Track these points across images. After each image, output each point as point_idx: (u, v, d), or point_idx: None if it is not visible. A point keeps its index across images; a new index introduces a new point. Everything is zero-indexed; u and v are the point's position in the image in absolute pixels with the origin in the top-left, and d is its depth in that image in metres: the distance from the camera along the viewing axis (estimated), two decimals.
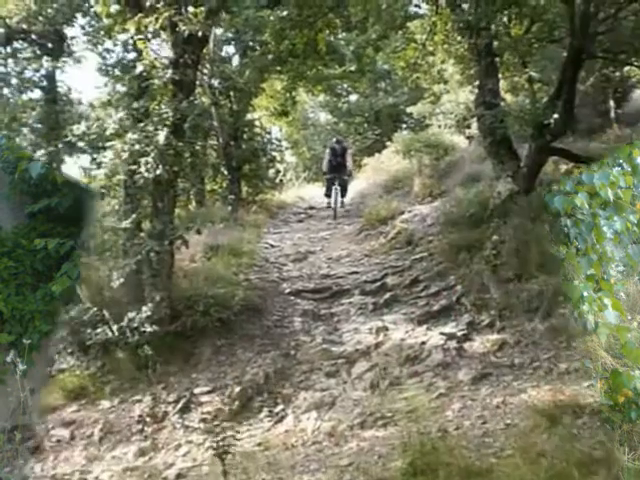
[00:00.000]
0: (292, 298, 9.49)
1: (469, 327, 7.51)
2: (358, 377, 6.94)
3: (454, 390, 6.04)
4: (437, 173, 15.48)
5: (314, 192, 19.77)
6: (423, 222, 12.27)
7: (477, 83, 11.35)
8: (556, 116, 9.21)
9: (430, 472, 4.10)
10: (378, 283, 9.53)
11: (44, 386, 7.96)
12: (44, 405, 8.04)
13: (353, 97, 27.33)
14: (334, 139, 17.52)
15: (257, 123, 18.34)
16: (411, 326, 8.06)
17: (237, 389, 7.14)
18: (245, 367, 7.67)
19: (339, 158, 15.98)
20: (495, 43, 10.60)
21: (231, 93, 16.62)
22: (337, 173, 15.70)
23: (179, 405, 7.18)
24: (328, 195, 15.84)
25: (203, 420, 6.83)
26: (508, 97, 14.14)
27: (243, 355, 7.98)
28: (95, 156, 11.14)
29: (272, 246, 12.64)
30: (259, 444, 6.03)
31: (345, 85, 22.65)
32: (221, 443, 4.70)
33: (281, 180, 20.47)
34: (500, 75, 11.60)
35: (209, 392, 7.33)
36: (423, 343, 7.21)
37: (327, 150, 16.67)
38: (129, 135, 8.57)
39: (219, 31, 15.65)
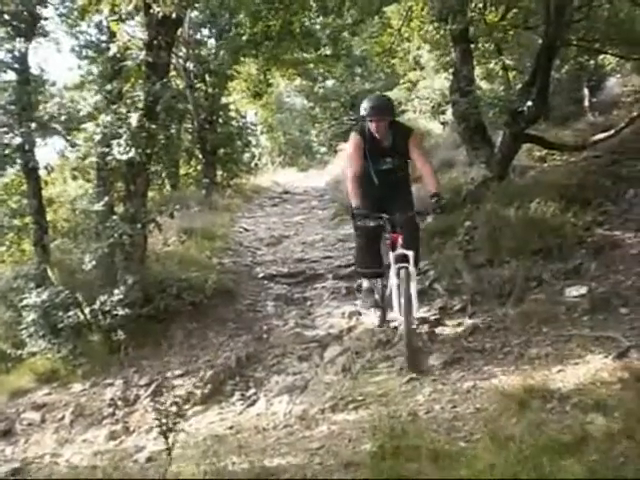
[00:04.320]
0: (265, 282, 9.49)
1: (441, 312, 7.52)
2: (330, 361, 6.95)
3: (425, 374, 6.06)
4: None
5: (289, 177, 19.77)
6: None
7: (452, 70, 11.37)
8: (530, 103, 9.25)
9: (399, 455, 4.12)
10: (352, 268, 9.54)
11: None
12: (15, 388, 8.00)
13: (329, 82, 27.34)
14: (367, 105, 6.72)
15: (232, 107, 18.29)
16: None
17: (209, 373, 7.11)
18: (217, 351, 7.65)
19: (392, 161, 6.88)
20: (471, 30, 10.62)
21: (206, 76, 16.55)
22: (393, 210, 6.68)
23: (151, 388, 7.16)
24: (369, 293, 7.30)
25: (175, 403, 6.80)
26: (483, 84, 14.19)
27: (215, 339, 7.97)
28: (69, 138, 11.06)
29: (246, 230, 12.62)
30: (230, 427, 6.03)
31: (321, 70, 22.57)
32: (165, 421, 4.68)
33: (256, 164, 20.46)
34: (475, 62, 11.62)
35: (181, 375, 7.31)
36: (394, 328, 7.23)
37: (354, 140, 6.81)
38: (102, 117, 8.51)
39: (194, 14, 15.56)
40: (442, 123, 17.94)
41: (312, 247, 11.06)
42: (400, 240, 6.48)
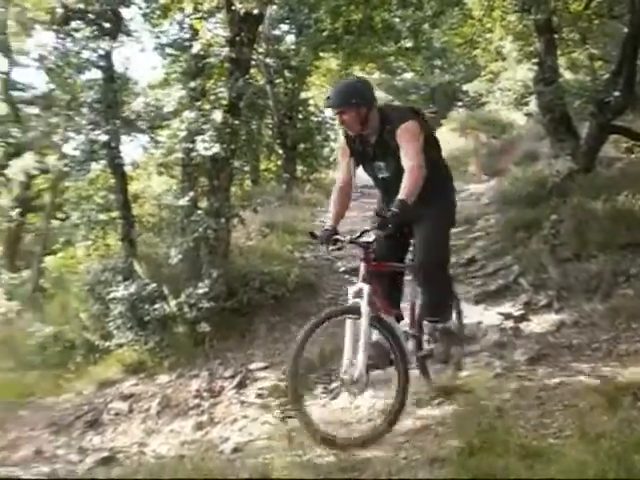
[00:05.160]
0: (347, 276, 9.47)
1: (526, 307, 7.40)
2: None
3: (511, 370, 5.97)
4: (494, 151, 15.30)
5: None
6: (479, 201, 12.15)
7: (536, 60, 11.16)
8: (617, 93, 9.02)
9: (486, 451, 4.06)
10: None
11: None
12: (103, 378, 8.23)
13: (408, 75, 27.17)
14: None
15: (311, 102, 18.33)
16: (467, 306, 7.97)
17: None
18: None
19: (386, 167, 5.03)
20: (554, 19, 10.40)
21: (286, 72, 16.64)
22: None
23: (235, 380, 7.25)
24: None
25: (259, 396, 6.89)
26: (567, 74, 13.90)
27: (298, 332, 7.98)
28: (152, 135, 11.28)
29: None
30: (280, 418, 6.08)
31: (400, 63, 22.44)
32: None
33: (335, 159, 20.45)
34: (559, 52, 11.39)
35: (265, 368, 7.39)
36: (480, 323, 7.14)
37: (340, 141, 5.82)
38: (186, 114, 8.65)
39: (274, 10, 15.66)
40: (527, 114, 17.63)
41: None
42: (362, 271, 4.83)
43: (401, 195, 4.55)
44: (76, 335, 9.34)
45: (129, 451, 6.23)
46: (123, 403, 7.45)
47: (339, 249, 5.04)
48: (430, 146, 4.94)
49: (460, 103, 25.09)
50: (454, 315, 5.55)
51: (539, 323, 7.00)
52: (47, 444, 6.71)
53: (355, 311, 4.67)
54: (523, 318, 7.17)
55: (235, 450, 5.55)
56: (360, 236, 4.83)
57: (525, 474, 3.76)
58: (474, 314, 7.61)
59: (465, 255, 9.44)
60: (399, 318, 5.27)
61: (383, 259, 5.03)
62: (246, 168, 15.68)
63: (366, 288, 4.67)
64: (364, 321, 4.60)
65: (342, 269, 9.70)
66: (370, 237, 4.80)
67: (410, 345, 5.24)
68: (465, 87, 23.71)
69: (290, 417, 4.75)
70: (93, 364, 8.74)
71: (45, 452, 6.36)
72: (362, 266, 4.80)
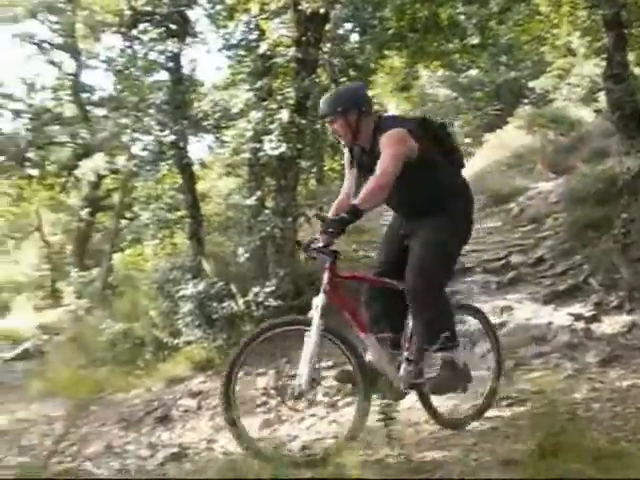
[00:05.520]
0: None
1: (597, 308, 7.28)
2: (482, 357, 6.85)
3: (582, 372, 5.87)
4: (562, 149, 15.03)
5: None
6: (547, 199, 11.97)
7: (605, 56, 10.94)
8: None
9: (558, 454, 4.00)
10: (502, 261, 9.37)
11: None
12: (171, 375, 8.34)
13: (473, 72, 26.88)
14: None
15: (375, 100, 18.30)
16: (536, 306, 7.88)
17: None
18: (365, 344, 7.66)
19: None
20: (624, 14, 10.17)
21: (350, 71, 16.63)
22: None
23: None
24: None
25: (326, 394, 6.89)
26: (638, 70, 13.58)
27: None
28: (218, 135, 11.40)
29: None
30: (381, 420, 6.04)
31: (465, 60, 22.19)
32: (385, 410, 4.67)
33: None
34: (629, 47, 11.14)
35: (331, 367, 7.36)
36: (549, 323, 7.04)
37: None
38: (253, 114, 8.73)
39: (338, 8, 15.66)
40: (595, 111, 17.29)
41: None
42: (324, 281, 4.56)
43: (356, 200, 4.33)
44: (145, 332, 9.48)
45: (198, 447, 6.27)
46: (192, 400, 7.52)
47: (314, 258, 4.79)
48: (427, 155, 4.57)
49: (526, 100, 24.69)
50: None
51: (610, 324, 6.87)
52: (117, 439, 6.81)
53: (302, 322, 4.51)
54: (594, 319, 7.05)
55: (303, 448, 5.56)
56: (328, 245, 4.52)
57: (601, 477, 3.70)
58: (544, 314, 7.52)
59: (533, 255, 9.33)
60: (394, 343, 4.89)
61: (384, 274, 4.83)
62: (312, 168, 15.72)
63: (320, 299, 4.46)
64: (312, 333, 4.39)
65: None
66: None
67: (402, 370, 4.88)
68: (531, 84, 23.37)
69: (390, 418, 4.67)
70: (162, 361, 8.86)
71: (115, 447, 6.45)
72: (325, 276, 4.55)
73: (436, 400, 5.22)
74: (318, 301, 4.44)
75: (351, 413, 5.20)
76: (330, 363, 7.39)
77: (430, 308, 4.61)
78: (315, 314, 4.41)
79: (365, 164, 4.71)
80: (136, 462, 5.32)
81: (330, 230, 4.27)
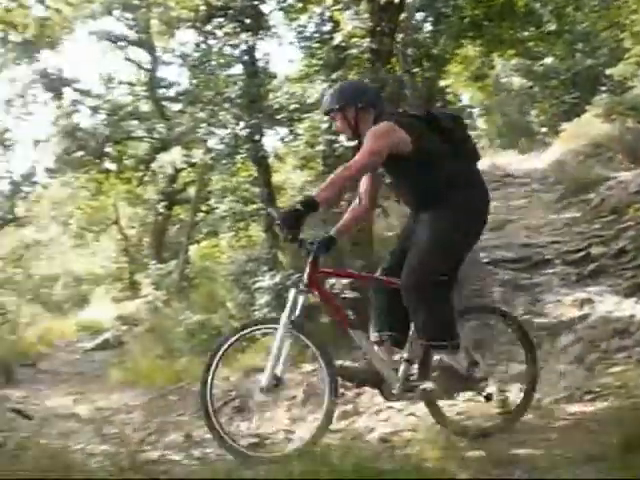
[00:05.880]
0: (490, 267, 9.29)
1: None
2: (563, 350, 6.72)
3: None
4: None
5: (508, 160, 19.28)
6: (627, 189, 11.66)
7: None
8: None
9: None
10: (581, 253, 9.14)
11: None
12: (249, 366, 8.40)
13: (548, 60, 26.36)
14: None
15: (449, 90, 18.16)
16: (618, 298, 7.68)
17: (436, 357, 7.09)
18: None
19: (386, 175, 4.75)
20: None
21: (423, 61, 16.52)
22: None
23: None
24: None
25: None
26: None
27: None
28: (292, 128, 11.45)
29: None
30: (459, 413, 5.97)
31: (540, 48, 21.78)
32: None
33: None
34: None
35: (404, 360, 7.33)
36: (631, 316, 6.85)
37: None
38: None
39: None
40: None
41: (537, 232, 10.70)
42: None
43: (314, 194, 4.23)
44: (223, 323, 9.60)
45: (276, 438, 6.30)
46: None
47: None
48: (424, 148, 4.46)
49: (604, 88, 24.09)
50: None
51: None
52: (196, 429, 6.90)
53: (272, 321, 4.66)
54: None
55: (382, 441, 5.54)
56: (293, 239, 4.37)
57: None
58: (626, 307, 7.33)
59: (615, 246, 9.08)
60: (396, 343, 4.83)
61: (391, 272, 4.71)
62: None
63: (291, 295, 4.54)
64: (279, 330, 4.46)
65: (485, 260, 9.53)
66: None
67: (400, 371, 4.76)
68: (609, 71, 22.78)
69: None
70: (240, 352, 8.93)
71: (194, 437, 6.53)
72: (305, 272, 4.54)
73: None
74: (290, 297, 4.52)
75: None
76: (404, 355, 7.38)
77: (423, 307, 4.47)
78: (285, 312, 4.49)
79: None
80: (215, 451, 5.35)
81: (278, 222, 4.24)
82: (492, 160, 19.36)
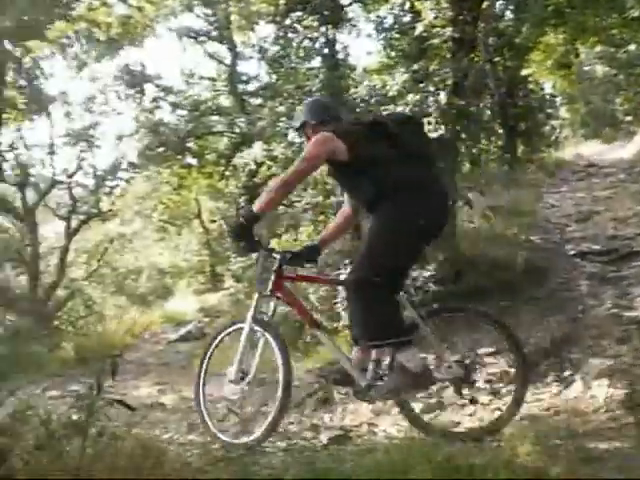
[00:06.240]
0: (577, 260, 9.11)
1: None
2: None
3: None
4: None
5: (592, 150, 18.88)
6: None
7: None
8: None
9: None
10: None
11: None
12: (331, 358, 8.43)
13: (632, 47, 25.64)
14: None
15: (531, 79, 17.86)
16: None
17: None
18: (529, 330, 7.48)
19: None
20: None
21: (504, 50, 16.28)
22: None
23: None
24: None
25: (488, 381, 6.78)
26: None
27: (527, 318, 7.79)
28: None
29: (552, 206, 12.23)
30: (547, 409, 5.90)
31: (624, 35, 21.17)
32: None
33: (557, 138, 19.79)
34: None
35: (493, 353, 7.24)
36: None
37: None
38: (410, 97, 8.68)
39: None
40: None
41: (625, 223, 10.44)
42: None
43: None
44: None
45: (359, 430, 6.31)
46: None
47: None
48: (362, 154, 4.67)
49: None
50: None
51: None
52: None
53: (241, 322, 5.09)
54: None
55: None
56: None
57: None
58: None
59: None
60: None
61: None
62: (473, 149, 15.52)
63: (254, 299, 5.06)
64: (245, 328, 4.99)
65: (571, 252, 9.36)
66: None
67: (369, 370, 4.94)
68: None
69: None
70: (322, 344, 8.97)
71: (279, 428, 6.62)
72: (271, 278, 4.97)
73: None
74: (253, 300, 5.04)
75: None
76: (493, 349, 7.30)
77: (361, 306, 4.66)
78: (249, 312, 4.98)
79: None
80: (299, 442, 5.42)
81: (229, 236, 4.76)
82: (576, 150, 19.00)
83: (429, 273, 7.98)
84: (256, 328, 4.97)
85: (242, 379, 4.92)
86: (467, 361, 5.11)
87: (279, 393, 4.84)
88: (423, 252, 5.22)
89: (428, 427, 5.08)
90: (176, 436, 6.00)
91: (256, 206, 4.62)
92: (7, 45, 16.24)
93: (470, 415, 6.18)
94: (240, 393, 4.99)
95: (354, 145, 4.64)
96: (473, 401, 5.17)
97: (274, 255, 5.01)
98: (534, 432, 4.51)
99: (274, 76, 14.78)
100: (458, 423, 5.98)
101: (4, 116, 16.97)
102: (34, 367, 10.71)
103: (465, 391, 5.06)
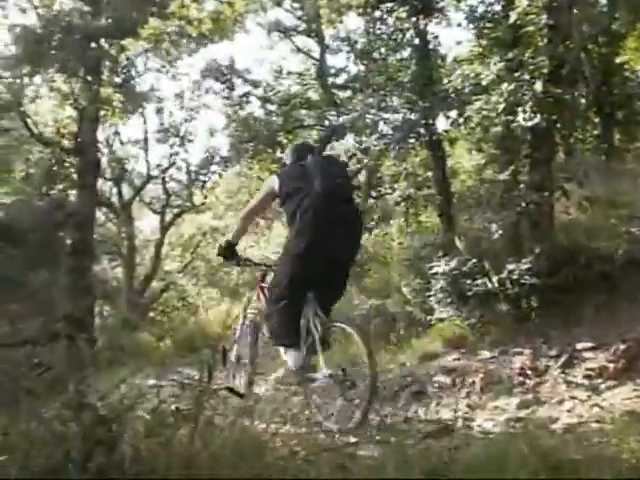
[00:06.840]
0: None
1: None
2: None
3: None
4: None
5: None
6: None
7: None
8: None
9: None
10: None
11: None
12: (425, 352, 8.38)
13: None
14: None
15: (627, 66, 17.30)
16: None
17: (622, 347, 6.77)
18: (629, 325, 7.25)
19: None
20: None
21: (599, 36, 15.80)
22: None
23: (561, 360, 7.02)
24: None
25: (587, 377, 6.62)
26: None
27: (627, 312, 7.56)
28: (463, 111, 11.24)
29: None
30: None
31: None
32: None
33: None
34: None
35: (591, 349, 7.07)
36: None
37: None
38: (504, 86, 8.52)
39: None
40: None
41: None
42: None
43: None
44: (398, 309, 9.62)
45: (454, 424, 6.25)
46: (446, 377, 7.49)
47: None
48: (282, 189, 5.74)
49: None
50: None
51: None
52: (374, 412, 6.95)
53: None
54: None
55: (566, 431, 5.38)
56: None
57: None
58: None
59: None
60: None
61: None
62: (570, 139, 15.16)
63: (245, 299, 6.69)
64: (238, 325, 6.44)
65: None
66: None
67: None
68: None
69: None
70: (415, 337, 8.93)
71: (372, 420, 6.62)
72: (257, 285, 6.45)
73: None
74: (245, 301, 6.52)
75: (614, 397, 4.97)
76: (592, 344, 7.11)
77: (270, 318, 6.06)
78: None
79: None
80: (395, 436, 5.36)
81: (220, 256, 6.22)
82: None
83: (526, 266, 7.81)
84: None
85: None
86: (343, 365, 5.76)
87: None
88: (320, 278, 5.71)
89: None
90: (272, 426, 6.05)
91: (232, 237, 6.15)
92: (103, 44, 16.67)
93: (568, 411, 6.06)
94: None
95: (281, 184, 5.73)
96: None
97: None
98: (621, 428, 4.37)
99: (362, 68, 14.72)
100: (556, 419, 5.87)
101: (101, 113, 17.43)
102: (141, 356, 11.01)
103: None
